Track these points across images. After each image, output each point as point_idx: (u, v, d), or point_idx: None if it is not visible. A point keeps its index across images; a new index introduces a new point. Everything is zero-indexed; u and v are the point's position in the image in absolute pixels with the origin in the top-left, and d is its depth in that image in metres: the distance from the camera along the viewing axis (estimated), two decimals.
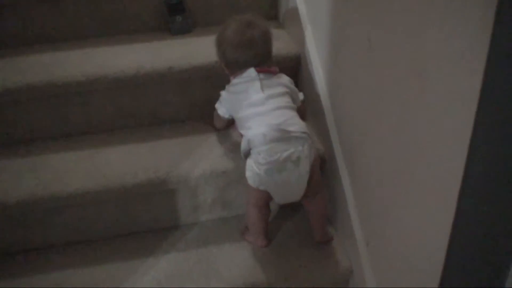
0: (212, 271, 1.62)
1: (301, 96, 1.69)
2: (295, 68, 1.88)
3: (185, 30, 2.04)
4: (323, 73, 1.72)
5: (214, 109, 1.72)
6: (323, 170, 1.76)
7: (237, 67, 1.62)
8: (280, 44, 1.84)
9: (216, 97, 1.69)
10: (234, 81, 1.64)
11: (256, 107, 1.56)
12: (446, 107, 0.98)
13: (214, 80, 1.72)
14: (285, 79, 1.65)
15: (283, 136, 1.51)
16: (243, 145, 1.59)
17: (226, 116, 1.70)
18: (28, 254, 1.71)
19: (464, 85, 0.90)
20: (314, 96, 1.77)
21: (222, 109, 1.70)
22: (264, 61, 1.62)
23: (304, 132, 1.54)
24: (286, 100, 1.60)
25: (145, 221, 1.77)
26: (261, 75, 1.60)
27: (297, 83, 1.90)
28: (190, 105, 1.90)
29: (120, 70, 1.75)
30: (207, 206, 1.78)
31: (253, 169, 1.54)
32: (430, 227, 1.12)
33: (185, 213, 1.78)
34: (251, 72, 1.59)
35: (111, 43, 1.96)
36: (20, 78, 1.72)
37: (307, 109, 1.80)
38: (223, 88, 1.67)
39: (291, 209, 1.83)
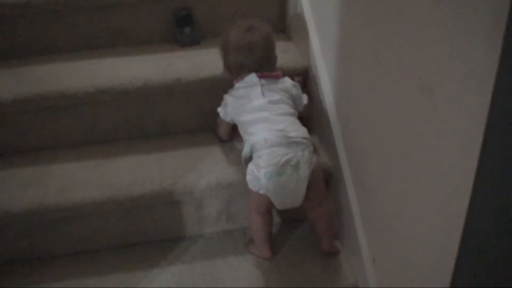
0: (217, 283, 1.61)
1: (305, 100, 1.70)
2: (302, 81, 1.88)
3: (193, 42, 2.04)
4: (330, 86, 1.72)
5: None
6: (329, 183, 1.75)
7: (239, 72, 1.64)
8: (288, 57, 1.84)
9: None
10: (237, 85, 1.65)
11: (258, 112, 1.58)
12: (454, 123, 0.98)
13: (221, 92, 1.72)
14: (287, 83, 1.66)
15: (283, 141, 1.53)
16: (245, 150, 1.60)
17: (227, 119, 1.71)
18: (33, 264, 1.70)
19: (473, 102, 0.90)
20: (321, 109, 1.77)
21: (223, 112, 1.71)
22: (266, 65, 1.63)
23: (305, 138, 1.55)
24: (287, 106, 1.62)
25: (150, 232, 1.76)
26: (263, 81, 1.61)
27: None
28: (197, 116, 1.90)
29: (128, 81, 1.75)
30: (212, 219, 1.78)
31: (253, 172, 1.55)
32: (437, 244, 1.11)
33: (190, 225, 1.78)
34: (253, 77, 1.61)
35: (119, 54, 1.97)
36: (29, 88, 1.73)
37: (313, 115, 1.80)
38: None
39: (295, 223, 1.83)
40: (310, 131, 1.86)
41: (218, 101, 1.76)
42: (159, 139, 1.89)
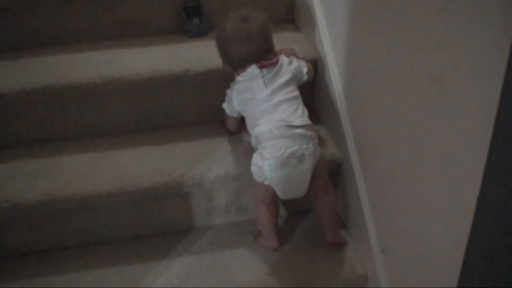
0: (226, 274, 1.61)
1: (304, 68, 1.69)
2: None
3: (201, 32, 2.04)
4: (339, 77, 1.71)
5: None
6: (337, 174, 1.75)
7: (239, 64, 1.62)
8: (297, 48, 1.83)
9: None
10: (238, 78, 1.64)
11: (262, 104, 1.58)
12: (464, 113, 0.97)
13: (230, 83, 1.72)
14: (285, 64, 1.64)
15: (288, 133, 1.53)
16: (252, 142, 1.62)
17: (235, 115, 1.72)
18: (42, 255, 1.71)
19: (483, 92, 0.89)
20: (330, 100, 1.76)
21: (229, 108, 1.71)
22: (266, 54, 1.62)
23: (306, 126, 1.56)
24: (290, 90, 1.61)
25: (159, 223, 1.77)
26: (264, 71, 1.60)
27: (313, 87, 1.90)
28: (206, 108, 1.90)
29: (136, 72, 1.75)
30: (221, 210, 1.78)
31: (257, 163, 1.56)
32: (447, 234, 1.10)
33: (199, 216, 1.78)
34: (254, 69, 1.60)
35: (128, 46, 1.97)
36: (37, 79, 1.73)
37: (322, 105, 1.79)
38: None
39: (303, 214, 1.83)
40: (318, 121, 1.87)
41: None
42: (168, 130, 1.89)
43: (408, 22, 1.16)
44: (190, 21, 2.02)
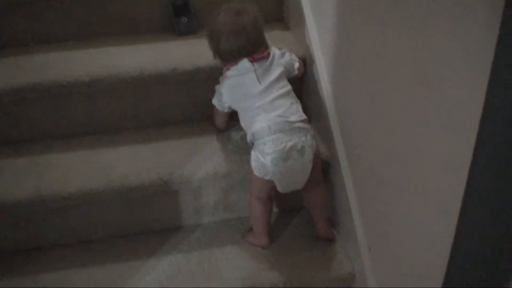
0: (214, 272, 1.61)
1: (296, 62, 1.71)
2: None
3: (190, 31, 2.04)
4: (328, 76, 1.71)
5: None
6: (326, 172, 1.76)
7: (231, 57, 1.62)
8: (286, 47, 1.82)
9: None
10: (229, 73, 1.63)
11: (258, 101, 1.58)
12: (451, 111, 0.98)
13: (218, 81, 1.72)
14: (277, 56, 1.64)
15: (286, 128, 1.54)
16: (249, 138, 1.62)
17: (225, 110, 1.72)
18: (30, 254, 1.70)
19: (469, 92, 0.90)
20: (319, 99, 1.77)
21: (219, 103, 1.71)
22: (258, 47, 1.62)
23: (303, 121, 1.58)
24: (283, 84, 1.62)
25: (147, 222, 1.76)
26: (256, 65, 1.60)
27: (302, 86, 1.90)
28: (194, 106, 1.90)
29: (124, 70, 1.75)
30: (210, 208, 1.78)
31: (258, 159, 1.56)
32: (433, 231, 1.11)
33: (187, 214, 1.78)
34: (245, 63, 1.60)
35: (116, 44, 1.96)
36: (25, 77, 1.72)
37: (311, 105, 1.80)
38: None
39: (292, 212, 1.84)
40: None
41: (215, 90, 1.75)
42: (156, 128, 1.89)
43: (396, 22, 1.17)
44: (179, 19, 2.02)
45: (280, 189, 1.60)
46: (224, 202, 1.78)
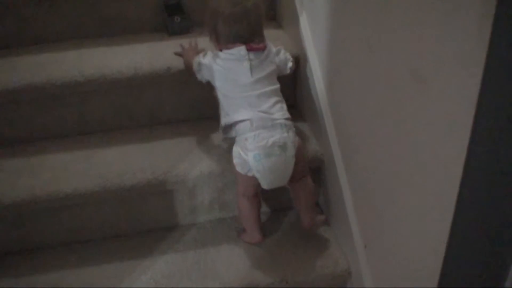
0: (210, 271, 1.62)
1: (289, 62, 1.70)
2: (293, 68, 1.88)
3: (183, 30, 2.04)
4: (321, 74, 1.72)
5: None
6: (320, 170, 1.76)
7: (228, 40, 1.60)
8: (279, 45, 1.82)
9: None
10: (222, 55, 1.60)
11: (245, 91, 1.57)
12: (445, 108, 0.98)
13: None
14: (272, 52, 1.64)
15: (268, 124, 1.54)
16: (224, 120, 1.61)
17: (204, 82, 1.68)
18: (25, 254, 1.70)
19: (463, 87, 0.90)
20: (313, 97, 1.77)
21: (199, 74, 1.67)
22: (255, 36, 1.60)
23: (287, 119, 1.57)
24: (272, 81, 1.61)
25: (142, 221, 1.76)
26: (251, 55, 1.58)
27: (295, 83, 1.91)
28: (188, 105, 1.90)
29: (118, 70, 1.75)
30: (205, 207, 1.78)
31: (240, 155, 1.56)
32: (428, 228, 1.11)
33: (183, 213, 1.78)
34: (241, 50, 1.58)
35: (109, 44, 1.96)
36: (19, 78, 1.72)
37: (305, 102, 1.80)
38: None
39: (286, 211, 1.85)
40: (301, 118, 1.88)
41: (209, 90, 1.75)
42: (150, 128, 1.89)
43: (389, 18, 1.17)
44: (172, 19, 2.02)
45: (264, 185, 1.59)
46: (220, 201, 1.78)
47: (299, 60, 1.85)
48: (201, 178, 1.68)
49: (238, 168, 1.58)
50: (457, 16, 0.90)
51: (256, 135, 1.53)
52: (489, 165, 0.90)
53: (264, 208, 1.82)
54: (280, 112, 1.58)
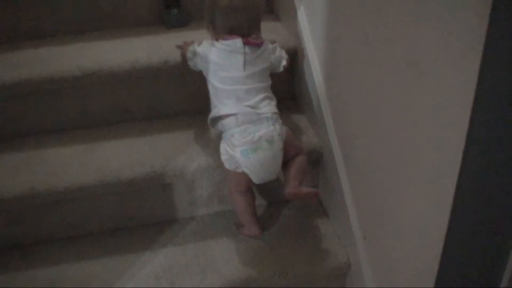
0: (209, 264, 1.62)
1: (284, 60, 1.68)
2: (291, 61, 1.87)
3: (180, 23, 2.03)
4: (319, 66, 1.71)
5: (209, 103, 1.71)
6: (320, 163, 1.76)
7: (225, 31, 1.58)
8: (277, 37, 1.83)
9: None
10: (218, 45, 1.59)
11: (234, 85, 1.56)
12: (443, 98, 0.98)
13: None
14: (268, 50, 1.63)
15: (254, 118, 1.53)
16: (213, 113, 1.60)
17: (196, 70, 1.67)
18: (24, 249, 1.70)
19: (461, 77, 0.90)
20: (311, 89, 1.77)
21: (191, 62, 1.66)
22: (251, 29, 1.60)
23: (274, 113, 1.56)
24: (264, 79, 1.60)
25: (141, 215, 1.77)
26: (247, 49, 1.57)
27: (293, 76, 1.90)
28: (186, 99, 1.90)
29: (116, 64, 1.74)
30: (204, 200, 1.78)
31: (227, 152, 1.56)
32: (427, 220, 1.12)
33: (182, 207, 1.78)
34: (237, 42, 1.56)
35: (107, 37, 1.96)
36: (16, 73, 1.71)
37: (302, 95, 1.80)
38: None
39: (283, 204, 1.85)
40: (299, 111, 1.88)
41: (207, 83, 1.75)
42: (148, 122, 1.89)
43: (387, 10, 1.17)
44: (169, 12, 2.01)
45: (254, 180, 1.59)
46: (218, 194, 1.78)
47: (297, 53, 1.85)
48: (199, 171, 1.67)
49: (227, 165, 1.58)
50: (455, 7, 0.90)
51: (242, 130, 1.52)
52: (487, 158, 0.90)
53: (261, 201, 1.84)
54: (268, 107, 1.56)
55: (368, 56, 1.31)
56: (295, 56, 1.86)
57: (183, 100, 1.90)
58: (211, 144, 1.75)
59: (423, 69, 1.03)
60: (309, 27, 1.78)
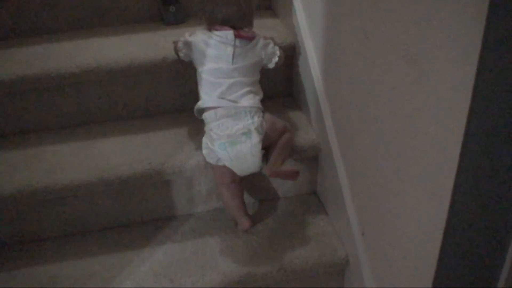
0: (208, 261, 1.62)
1: (276, 56, 1.68)
2: (289, 57, 1.87)
3: (178, 20, 2.03)
4: (317, 62, 1.71)
5: None
6: (318, 159, 1.76)
7: (217, 22, 1.60)
8: (275, 34, 1.83)
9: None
10: (210, 34, 1.60)
11: (220, 76, 1.57)
12: (441, 95, 0.98)
13: None
14: (260, 45, 1.63)
15: (232, 112, 1.54)
16: (199, 104, 1.61)
17: (186, 61, 1.67)
18: (23, 246, 1.70)
19: (459, 72, 0.90)
20: (309, 86, 1.77)
21: (182, 54, 1.66)
22: (245, 22, 1.60)
23: (254, 107, 1.57)
24: (251, 73, 1.61)
25: (140, 212, 1.76)
26: (237, 41, 1.58)
27: (291, 72, 1.90)
28: (184, 95, 1.89)
29: (113, 61, 1.74)
30: (203, 197, 1.78)
31: (208, 146, 1.57)
32: (425, 216, 1.12)
33: (180, 204, 1.78)
34: (229, 34, 1.57)
35: (104, 34, 1.95)
36: (14, 70, 1.71)
37: (301, 91, 1.79)
38: None
39: (281, 200, 1.85)
40: (297, 107, 1.88)
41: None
42: (147, 119, 1.89)
43: (385, 5, 1.17)
44: (167, 8, 2.01)
45: (237, 172, 1.60)
46: (217, 190, 1.78)
47: (295, 50, 1.85)
48: (198, 168, 1.67)
49: (208, 159, 1.60)
50: (453, 3, 0.90)
51: (220, 124, 1.54)
52: (485, 154, 0.90)
53: (259, 198, 1.84)
54: (250, 101, 1.57)
55: (367, 53, 1.31)
56: (293, 52, 1.86)
57: (181, 97, 1.90)
58: None
59: (422, 67, 1.03)
60: (307, 24, 1.78)
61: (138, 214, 1.77)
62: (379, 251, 1.43)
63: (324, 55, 1.65)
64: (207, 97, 1.58)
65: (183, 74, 1.84)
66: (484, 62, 0.82)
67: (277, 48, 1.69)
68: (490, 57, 0.81)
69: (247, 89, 1.58)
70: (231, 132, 1.52)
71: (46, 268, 1.62)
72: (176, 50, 1.69)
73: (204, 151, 1.59)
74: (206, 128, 1.58)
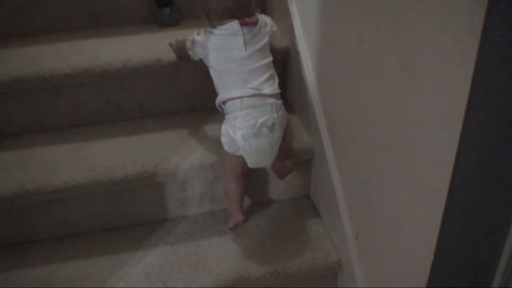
0: (201, 264, 1.62)
1: (274, 27, 1.69)
2: (284, 61, 1.88)
3: (173, 22, 2.03)
4: (312, 66, 1.71)
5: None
6: (311, 162, 1.76)
7: (220, 16, 1.58)
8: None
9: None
10: (216, 31, 1.59)
11: (237, 66, 1.56)
12: (436, 101, 0.98)
13: (202, 72, 1.71)
14: (263, 25, 1.62)
15: (259, 103, 1.54)
16: (218, 100, 1.61)
17: (195, 59, 1.67)
18: (15, 248, 1.69)
19: (455, 79, 0.90)
20: (303, 89, 1.77)
21: (191, 52, 1.65)
22: (246, 8, 1.59)
23: (276, 95, 1.58)
24: (266, 55, 1.61)
25: (133, 214, 1.76)
26: (244, 29, 1.57)
27: (286, 75, 1.90)
28: (178, 97, 1.89)
29: (107, 62, 1.74)
30: (196, 200, 1.78)
31: (228, 134, 1.56)
32: (419, 219, 1.12)
33: (173, 206, 1.77)
34: (234, 25, 1.56)
35: (98, 36, 1.95)
36: (7, 71, 1.70)
37: (295, 95, 1.80)
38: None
39: (276, 203, 1.86)
40: (291, 110, 1.88)
41: (199, 82, 1.75)
42: (140, 121, 1.88)
43: (380, 10, 1.17)
44: (161, 10, 2.01)
45: (249, 164, 1.61)
46: (210, 193, 1.78)
47: (290, 53, 1.85)
48: (191, 171, 1.67)
49: (226, 147, 1.59)
50: (449, 8, 0.90)
51: (246, 114, 1.53)
52: (481, 158, 0.91)
53: (254, 201, 1.84)
54: (271, 87, 1.57)
55: (362, 57, 1.31)
56: (288, 56, 1.86)
57: (175, 99, 1.90)
58: (203, 143, 1.75)
59: (417, 71, 1.03)
60: (302, 27, 1.78)
61: (131, 216, 1.76)
62: (372, 255, 1.43)
63: (319, 59, 1.65)
64: (226, 90, 1.58)
65: (177, 77, 1.84)
66: (480, 67, 0.82)
67: (269, 18, 1.69)
68: (485, 63, 0.82)
69: (267, 74, 1.58)
70: (256, 124, 1.52)
71: (38, 270, 1.62)
72: (179, 50, 1.69)
73: (224, 139, 1.59)
74: (229, 116, 1.57)
